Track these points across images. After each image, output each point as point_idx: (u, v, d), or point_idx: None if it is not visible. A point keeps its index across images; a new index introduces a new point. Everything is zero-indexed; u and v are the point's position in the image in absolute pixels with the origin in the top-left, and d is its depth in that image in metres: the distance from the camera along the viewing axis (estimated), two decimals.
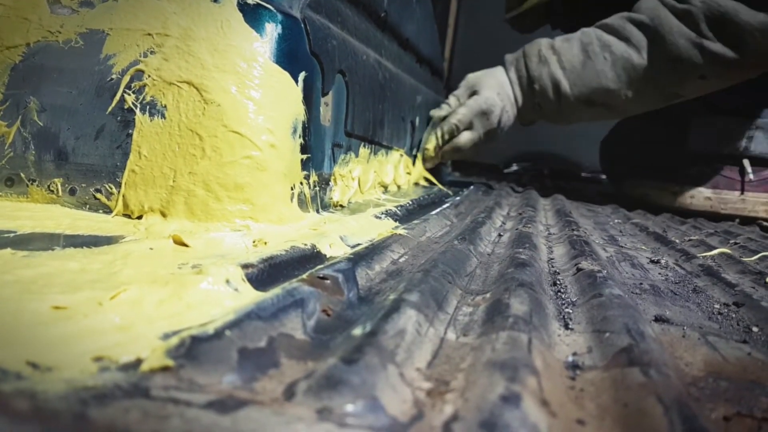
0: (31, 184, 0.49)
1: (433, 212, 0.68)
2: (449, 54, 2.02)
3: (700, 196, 1.13)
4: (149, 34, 0.49)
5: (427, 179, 1.10)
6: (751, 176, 1.09)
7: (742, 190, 1.10)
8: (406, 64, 1.01)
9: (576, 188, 1.51)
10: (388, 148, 0.89)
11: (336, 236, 0.45)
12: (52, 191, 0.49)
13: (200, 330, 0.22)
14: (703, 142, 1.14)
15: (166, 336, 0.23)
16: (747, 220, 1.09)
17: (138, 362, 0.21)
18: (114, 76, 0.49)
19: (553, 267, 0.48)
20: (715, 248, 0.63)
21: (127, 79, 0.48)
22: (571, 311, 0.35)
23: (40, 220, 0.43)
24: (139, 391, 0.18)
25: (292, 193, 0.51)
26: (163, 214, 0.46)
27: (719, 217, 1.09)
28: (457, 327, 0.30)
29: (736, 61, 0.94)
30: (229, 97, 0.47)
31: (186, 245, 0.40)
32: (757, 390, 0.25)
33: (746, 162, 1.10)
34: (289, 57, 0.51)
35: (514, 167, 1.99)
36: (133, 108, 0.48)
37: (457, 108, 1.10)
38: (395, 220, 0.60)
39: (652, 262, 0.55)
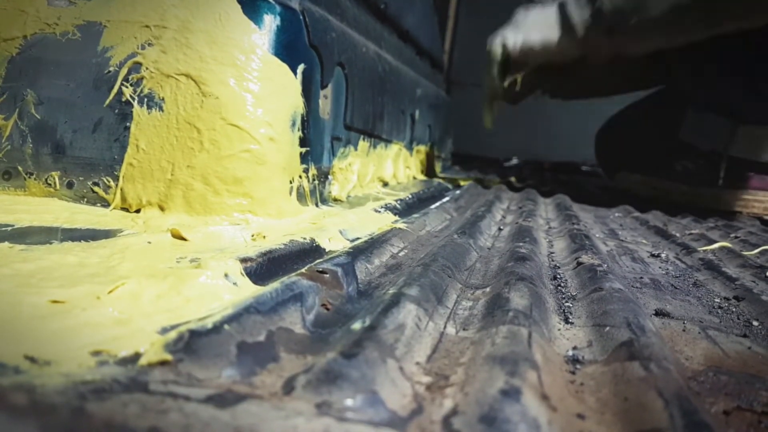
0: (29, 177, 0.49)
1: (433, 206, 0.68)
2: (449, 46, 2.01)
3: (678, 191, 1.15)
4: (147, 26, 0.49)
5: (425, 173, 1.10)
6: (720, 182, 1.11)
7: (718, 187, 1.12)
8: (406, 57, 1.00)
9: (576, 181, 1.51)
10: (388, 141, 0.88)
11: (335, 230, 0.45)
12: (50, 185, 0.49)
13: (199, 324, 0.22)
14: (692, 134, 1.14)
15: (165, 330, 0.23)
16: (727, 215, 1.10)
17: (136, 356, 0.21)
18: (111, 69, 0.49)
19: (553, 261, 0.48)
20: (715, 242, 0.63)
21: (124, 71, 0.48)
22: (571, 305, 0.35)
23: (38, 213, 0.43)
24: (137, 385, 0.18)
25: (291, 187, 0.51)
26: (162, 208, 0.46)
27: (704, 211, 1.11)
28: (456, 321, 0.30)
29: None
30: (228, 90, 0.46)
31: (184, 239, 0.39)
32: (758, 384, 0.25)
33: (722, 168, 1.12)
34: (287, 49, 0.50)
35: (515, 161, 1.99)
36: (131, 101, 0.47)
37: None
38: (395, 214, 0.59)
39: (653, 255, 0.55)
